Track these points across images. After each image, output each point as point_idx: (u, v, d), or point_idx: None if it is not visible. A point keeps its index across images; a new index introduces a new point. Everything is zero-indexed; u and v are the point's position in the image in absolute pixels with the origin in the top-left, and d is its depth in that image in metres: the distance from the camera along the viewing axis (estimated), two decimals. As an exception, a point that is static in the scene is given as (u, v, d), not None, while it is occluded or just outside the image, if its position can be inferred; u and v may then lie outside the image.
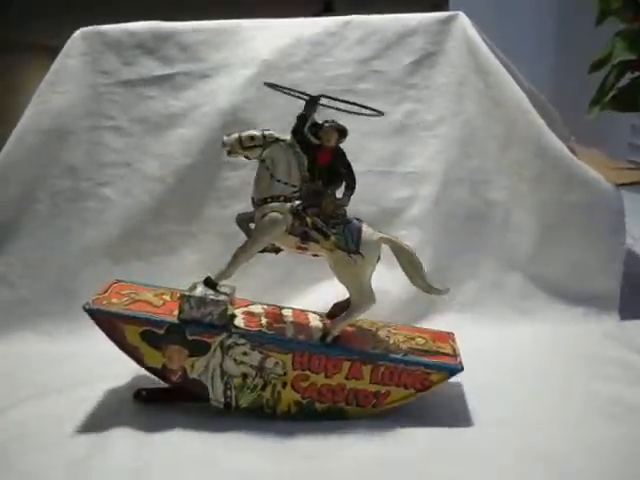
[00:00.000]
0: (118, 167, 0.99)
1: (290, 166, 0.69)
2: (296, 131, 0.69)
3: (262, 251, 0.72)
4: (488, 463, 0.61)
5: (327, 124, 0.68)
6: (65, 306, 0.99)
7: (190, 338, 0.70)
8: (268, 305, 0.79)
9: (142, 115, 0.99)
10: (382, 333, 0.75)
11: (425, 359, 0.70)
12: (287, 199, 0.69)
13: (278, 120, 0.98)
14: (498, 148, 0.98)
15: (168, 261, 0.99)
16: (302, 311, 0.79)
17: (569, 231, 0.95)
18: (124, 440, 0.67)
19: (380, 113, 0.70)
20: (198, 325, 0.69)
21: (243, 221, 0.72)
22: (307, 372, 0.69)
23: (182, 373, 0.71)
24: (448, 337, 0.77)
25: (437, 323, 0.93)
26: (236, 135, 0.69)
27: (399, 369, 0.69)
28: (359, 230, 0.69)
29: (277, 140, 0.69)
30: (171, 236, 0.99)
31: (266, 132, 0.70)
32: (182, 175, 0.97)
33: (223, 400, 0.71)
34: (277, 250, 0.73)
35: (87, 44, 0.98)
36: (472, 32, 0.98)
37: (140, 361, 0.72)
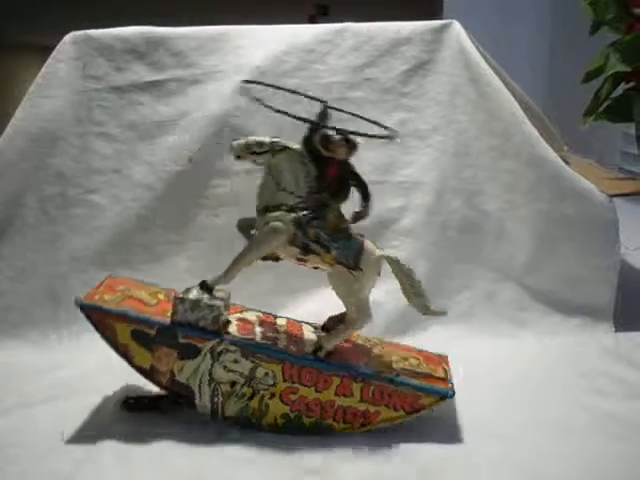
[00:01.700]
0: (107, 174, 0.98)
1: (297, 176, 0.68)
2: (306, 141, 0.68)
3: (263, 259, 0.71)
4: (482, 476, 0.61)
5: (337, 137, 0.66)
6: (53, 314, 0.98)
7: (181, 341, 0.68)
8: (263, 313, 0.78)
9: (132, 121, 0.97)
10: (376, 350, 0.74)
11: (417, 382, 0.69)
12: (291, 209, 0.68)
13: (270, 127, 0.97)
14: (492, 158, 0.97)
15: (157, 269, 0.97)
16: (296, 322, 0.78)
17: (563, 242, 0.94)
18: (111, 453, 0.66)
19: (391, 137, 0.70)
20: (190, 328, 0.68)
21: (245, 227, 0.71)
22: (297, 385, 0.68)
23: (170, 376, 0.70)
24: (441, 360, 0.76)
25: (430, 334, 0.92)
26: (245, 140, 0.68)
27: (390, 389, 0.68)
28: (361, 246, 0.68)
29: (285, 148, 0.68)
30: (160, 244, 0.97)
31: (275, 139, 0.69)
32: (172, 182, 0.96)
33: (209, 406, 0.70)
34: (277, 258, 0.72)
35: (77, 48, 0.96)
36: (466, 41, 0.97)
37: (129, 360, 0.70)
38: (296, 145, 0.68)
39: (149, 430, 0.69)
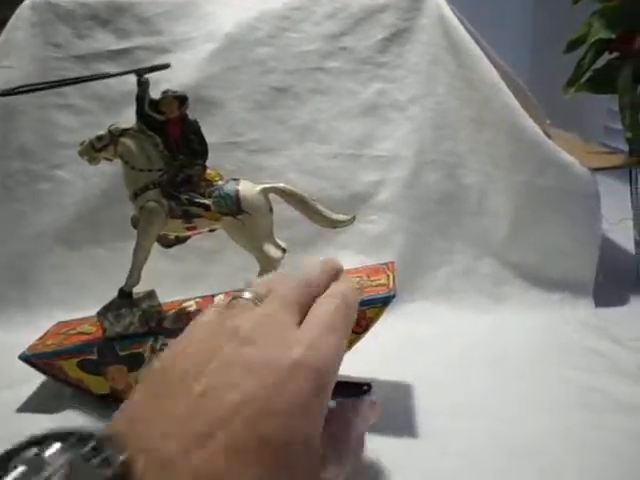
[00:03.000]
0: (72, 148, 0.93)
1: (146, 151, 0.66)
2: (139, 113, 0.66)
3: (167, 246, 0.70)
4: (462, 455, 0.59)
5: (164, 95, 0.65)
6: (19, 294, 0.94)
7: (122, 354, 0.67)
8: (202, 298, 0.75)
9: (97, 92, 0.93)
10: None
11: None
12: (156, 184, 0.65)
13: (243, 97, 0.94)
14: (472, 130, 0.94)
15: (129, 247, 0.93)
16: (235, 292, 0.75)
17: (544, 216, 0.92)
18: None
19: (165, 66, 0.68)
20: (124, 339, 0.66)
21: (135, 221, 0.69)
22: None
23: (130, 390, 0.67)
24: (385, 268, 0.72)
25: (408, 310, 0.90)
26: (85, 141, 0.67)
27: None
28: (236, 190, 0.65)
29: (124, 131, 0.66)
30: (128, 220, 0.93)
31: (111, 127, 0.67)
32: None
33: None
34: (178, 240, 0.70)
35: (37, 14, 0.91)
36: (445, 9, 0.94)
37: (89, 392, 0.68)
38: (131, 124, 0.66)
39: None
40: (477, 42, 0.94)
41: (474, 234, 0.94)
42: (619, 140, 0.91)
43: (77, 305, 0.92)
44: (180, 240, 0.70)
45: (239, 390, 0.29)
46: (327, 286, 0.37)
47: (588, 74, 0.94)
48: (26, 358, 0.69)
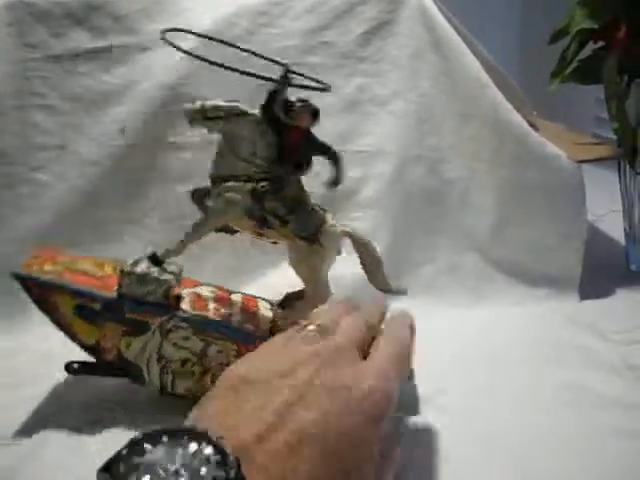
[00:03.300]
0: (51, 150, 0.92)
1: (255, 144, 0.62)
2: (266, 107, 0.62)
3: (218, 230, 0.66)
4: (452, 455, 0.59)
5: (299, 104, 0.61)
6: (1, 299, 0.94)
7: (128, 316, 0.63)
8: (218, 288, 0.73)
9: (75, 93, 0.91)
10: None
11: None
12: (248, 179, 0.62)
13: (224, 95, 0.92)
14: (455, 124, 0.93)
15: (109, 249, 0.92)
16: (252, 297, 0.73)
17: (528, 210, 0.92)
18: (60, 445, 0.62)
19: (327, 88, 0.65)
20: (138, 303, 0.63)
21: (199, 197, 0.66)
22: None
23: (116, 352, 0.65)
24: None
25: (393, 307, 0.89)
26: (200, 103, 0.62)
27: None
28: (322, 220, 0.64)
29: (243, 114, 0.62)
30: (111, 223, 0.92)
31: (232, 103, 0.62)
32: (120, 157, 0.91)
33: (158, 385, 0.65)
34: (233, 231, 0.67)
35: (11, 14, 0.90)
36: (427, 1, 0.93)
37: (73, 337, 0.65)
38: (255, 111, 0.63)
39: (97, 419, 0.66)
40: (461, 34, 0.93)
41: (458, 230, 0.93)
42: (609, 129, 0.90)
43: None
44: (231, 231, 0.67)
45: (317, 408, 0.33)
46: (380, 329, 0.44)
47: (573, 65, 0.93)
48: (19, 277, 0.64)
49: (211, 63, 0.61)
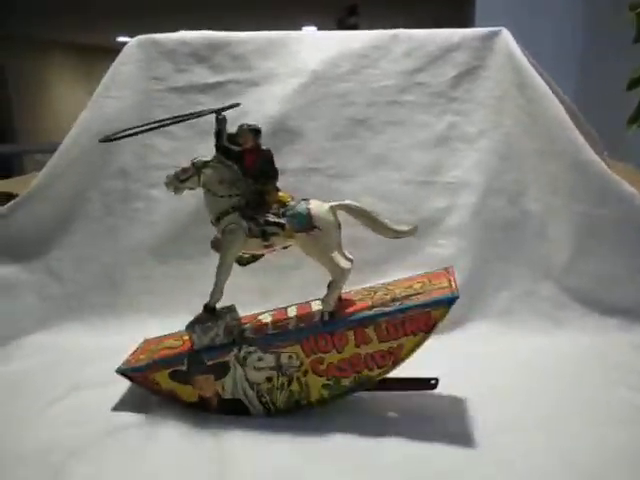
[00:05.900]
0: (166, 169, 1.02)
1: (226, 179, 0.74)
2: (218, 146, 0.75)
3: (243, 264, 0.77)
4: (518, 468, 0.64)
5: (240, 129, 0.74)
6: (112, 301, 1.04)
7: (209, 363, 0.74)
8: (277, 310, 0.82)
9: (191, 121, 1.01)
10: (380, 293, 0.77)
11: (421, 300, 0.71)
12: (236, 209, 0.74)
13: (325, 127, 1.03)
14: (536, 161, 1.00)
15: (212, 262, 1.02)
16: (306, 302, 0.82)
17: (602, 244, 0.98)
18: (174, 430, 0.72)
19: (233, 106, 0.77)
20: (211, 350, 0.74)
21: (216, 244, 0.77)
22: (320, 354, 0.72)
23: (218, 398, 0.75)
24: (445, 273, 0.78)
25: (470, 331, 0.97)
26: (172, 174, 0.75)
27: (399, 319, 0.70)
28: (308, 208, 0.72)
29: (206, 163, 0.75)
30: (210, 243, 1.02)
31: (195, 160, 0.75)
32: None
33: (261, 408, 0.75)
34: (254, 258, 0.77)
35: (142, 51, 1.01)
36: (514, 48, 1.00)
37: (180, 401, 0.76)
38: (211, 156, 0.75)
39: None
40: (544, 79, 1.00)
41: (535, 259, 1.00)
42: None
43: (162, 312, 1.01)
44: (255, 258, 0.78)
45: None
46: None
47: (649, 111, 0.99)
48: (123, 372, 0.77)
49: (150, 130, 0.75)
